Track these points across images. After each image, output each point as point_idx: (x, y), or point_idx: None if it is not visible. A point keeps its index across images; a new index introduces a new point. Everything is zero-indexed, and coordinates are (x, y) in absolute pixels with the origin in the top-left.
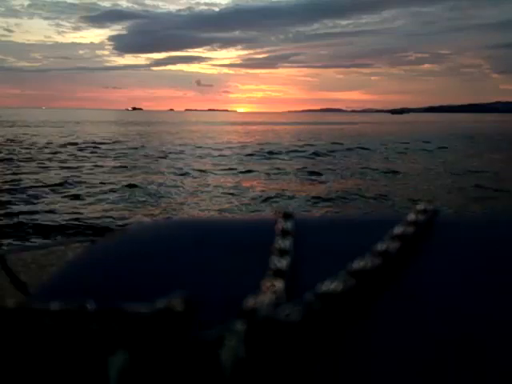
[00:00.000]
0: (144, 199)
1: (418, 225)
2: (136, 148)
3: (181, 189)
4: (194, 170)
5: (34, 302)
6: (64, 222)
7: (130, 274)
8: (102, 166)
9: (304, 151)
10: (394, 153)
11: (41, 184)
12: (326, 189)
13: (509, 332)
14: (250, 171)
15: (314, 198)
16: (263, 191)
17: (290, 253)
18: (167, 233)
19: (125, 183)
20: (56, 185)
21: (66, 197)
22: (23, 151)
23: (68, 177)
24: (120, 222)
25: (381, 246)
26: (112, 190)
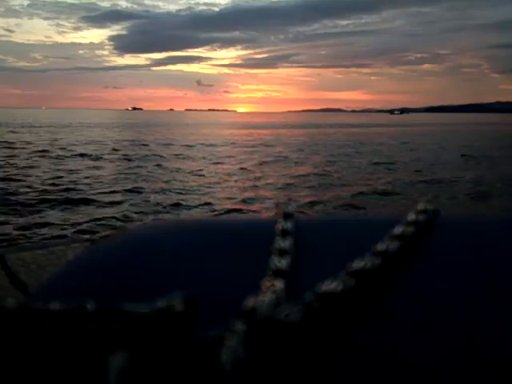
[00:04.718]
0: None
1: (418, 225)
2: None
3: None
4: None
5: (34, 302)
6: None
7: (129, 274)
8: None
9: None
10: None
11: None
12: None
13: (509, 332)
14: None
15: None
16: None
17: (290, 253)
18: (167, 233)
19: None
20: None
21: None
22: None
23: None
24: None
25: (381, 246)
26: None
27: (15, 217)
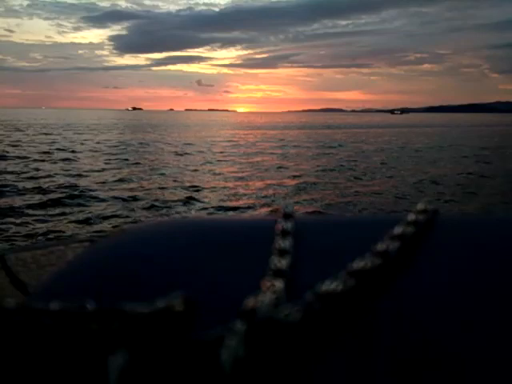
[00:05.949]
0: None
1: (418, 225)
2: None
3: None
4: None
5: (33, 302)
6: None
7: (129, 273)
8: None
9: None
10: None
11: None
12: None
13: (509, 332)
14: None
15: None
16: None
17: (290, 253)
18: (167, 232)
19: None
20: None
21: None
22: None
23: None
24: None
25: (381, 246)
26: None
27: (15, 216)
